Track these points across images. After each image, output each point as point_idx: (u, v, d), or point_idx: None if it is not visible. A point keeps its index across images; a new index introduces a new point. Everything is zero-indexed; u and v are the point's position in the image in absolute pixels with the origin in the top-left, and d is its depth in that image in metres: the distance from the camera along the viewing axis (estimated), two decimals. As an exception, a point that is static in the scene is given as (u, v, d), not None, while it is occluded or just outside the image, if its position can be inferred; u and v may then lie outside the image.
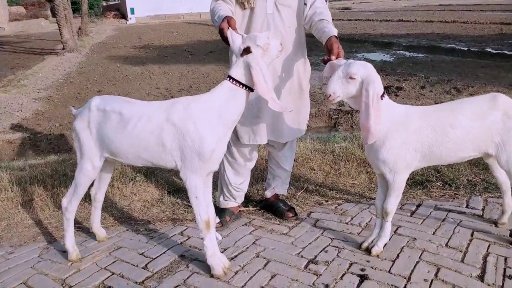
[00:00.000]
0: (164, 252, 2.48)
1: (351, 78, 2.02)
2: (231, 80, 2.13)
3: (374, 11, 32.20)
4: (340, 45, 2.35)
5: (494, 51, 11.07)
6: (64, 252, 2.52)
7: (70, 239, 2.44)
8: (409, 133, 2.12)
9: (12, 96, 8.63)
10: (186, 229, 2.76)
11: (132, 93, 8.41)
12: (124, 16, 34.55)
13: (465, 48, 11.79)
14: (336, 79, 2.05)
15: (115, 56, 14.69)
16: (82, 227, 2.85)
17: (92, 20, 27.10)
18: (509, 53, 10.63)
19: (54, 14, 15.75)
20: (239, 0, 2.53)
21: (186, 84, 9.23)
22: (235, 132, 2.67)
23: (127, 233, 2.76)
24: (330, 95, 2.06)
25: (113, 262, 2.42)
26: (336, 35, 2.43)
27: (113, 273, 2.30)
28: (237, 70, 2.12)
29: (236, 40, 2.15)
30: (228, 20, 2.25)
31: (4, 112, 7.35)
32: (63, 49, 15.13)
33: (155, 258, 2.42)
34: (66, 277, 2.29)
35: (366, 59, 10.96)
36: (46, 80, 10.54)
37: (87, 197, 2.82)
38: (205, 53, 14.48)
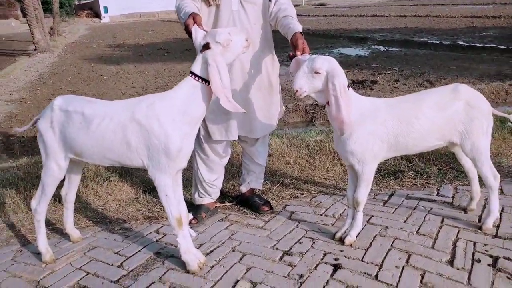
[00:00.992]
0: (139, 250, 2.47)
1: (316, 72, 2.06)
2: (193, 76, 2.12)
3: (349, 7, 32.51)
4: (305, 41, 2.38)
5: (466, 44, 11.34)
6: (38, 254, 2.48)
7: (42, 241, 2.41)
8: (375, 125, 2.17)
9: (-18, 99, 8.42)
10: (162, 226, 2.76)
11: (107, 93, 8.30)
12: (97, 15, 33.99)
13: (438, 42, 12.04)
14: (302, 75, 2.08)
15: (89, 56, 14.45)
16: (56, 229, 2.82)
17: (64, 19, 26.53)
18: (479, 45, 10.91)
19: (24, 14, 15.33)
20: None
21: (163, 82, 9.16)
22: (206, 129, 2.68)
23: (102, 233, 2.74)
24: (297, 91, 2.08)
25: (88, 262, 2.39)
26: (301, 31, 2.45)
27: (88, 273, 2.29)
28: (198, 66, 2.11)
29: (198, 36, 2.15)
30: (194, 16, 2.25)
31: (-25, 116, 7.17)
32: (35, 49, 14.82)
33: (130, 257, 2.41)
34: (41, 279, 2.26)
35: (341, 54, 11.19)
36: (18, 82, 10.30)
37: (60, 198, 2.78)
38: (181, 51, 14.38)
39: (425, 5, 26.67)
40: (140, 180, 3.47)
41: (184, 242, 2.22)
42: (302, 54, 2.30)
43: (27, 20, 14.41)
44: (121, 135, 2.11)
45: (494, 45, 10.73)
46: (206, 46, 2.09)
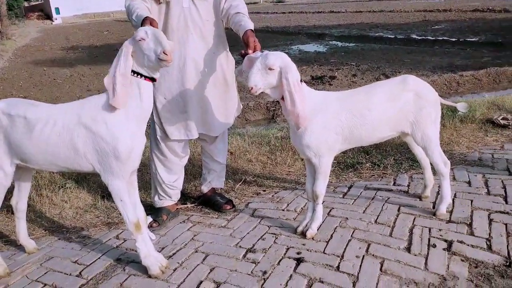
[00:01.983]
0: (99, 258, 2.40)
1: (270, 69, 2.07)
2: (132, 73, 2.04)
3: (306, 3, 32.93)
4: (256, 38, 2.38)
5: (419, 38, 11.73)
6: (-11, 269, 2.37)
7: (-6, 254, 2.30)
8: (328, 117, 2.21)
9: None
10: (122, 232, 2.69)
11: (61, 97, 8.02)
12: (49, 17, 32.71)
13: (392, 36, 12.39)
14: (256, 72, 2.08)
15: (41, 60, 13.90)
16: (10, 240, 2.69)
17: (13, 22, 25.38)
18: (432, 38, 11.32)
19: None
20: None
21: (120, 84, 8.95)
22: (163, 129, 2.64)
23: (59, 242, 2.64)
24: (252, 88, 2.08)
25: (45, 273, 2.30)
26: (252, 28, 2.46)
27: (45, 285, 2.20)
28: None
29: None
30: (151, 21, 2.20)
31: None
32: (-18, 54, 14.07)
33: (89, 265, 2.34)
34: (-7, 294, 2.16)
35: (301, 51, 11.32)
36: (-35, 89, 9.78)
37: (12, 209, 2.66)
38: (139, 51, 14.08)
39: (379, 0, 27.39)
40: (98, 186, 3.37)
41: (144, 246, 2.18)
42: (253, 51, 2.30)
43: (-28, 23, 13.67)
44: (67, 140, 2.04)
45: (445, 38, 11.17)
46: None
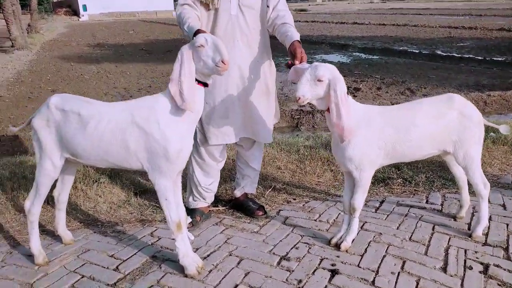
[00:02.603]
0: (135, 254, 2.45)
1: (319, 80, 2.09)
2: None
3: (329, 13, 32.97)
4: (303, 49, 2.42)
5: (444, 54, 11.66)
6: (29, 256, 2.43)
7: (35, 242, 2.36)
8: (372, 132, 2.22)
9: (-42, 96, 8.15)
10: (156, 230, 2.74)
11: (88, 93, 8.16)
12: (76, 13, 33.37)
13: (417, 51, 12.34)
14: (305, 82, 2.11)
15: (68, 55, 14.18)
16: (46, 230, 2.76)
17: (43, 16, 25.96)
18: (457, 55, 11.24)
19: (1, 10, 14.95)
20: (204, 1, 2.52)
21: (145, 83, 9.08)
22: (203, 133, 2.68)
23: (94, 235, 2.70)
24: (299, 98, 2.11)
25: (82, 265, 2.36)
26: (299, 39, 2.49)
27: (83, 276, 2.25)
28: None
29: None
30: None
31: (-49, 113, 6.93)
32: (12, 46, 14.44)
33: (126, 260, 2.39)
34: (34, 281, 2.21)
35: (324, 61, 11.27)
36: (-5, 79, 10.03)
37: (50, 200, 2.73)
38: (163, 52, 14.29)
39: (403, 14, 27.32)
40: (131, 183, 3.43)
41: (183, 246, 2.22)
42: (300, 62, 2.33)
43: (4, 16, 14.05)
44: (119, 138, 2.09)
45: (471, 56, 11.08)
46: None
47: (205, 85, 2.14)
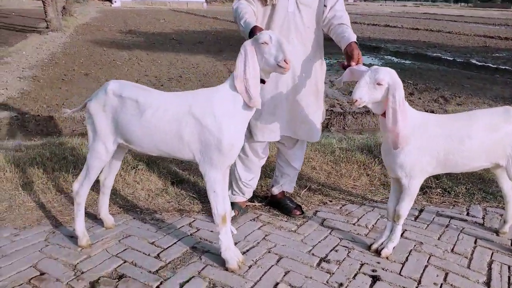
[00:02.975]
0: (174, 243, 2.48)
1: (378, 84, 2.06)
2: None
3: (361, 14, 32.55)
4: (360, 51, 2.39)
5: (479, 63, 11.38)
6: (71, 237, 2.49)
7: (80, 224, 2.41)
8: (427, 140, 2.18)
9: (-5, 72, 8.36)
10: (194, 220, 2.76)
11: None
12: (109, -1, 33.85)
13: (451, 58, 12.07)
14: (363, 85, 2.08)
15: (101, 39, 14.38)
16: (87, 213, 2.80)
17: (78, 0, 26.43)
18: (493, 66, 10.96)
19: (37, -9, 15.25)
20: None
21: (176, 73, 9.14)
22: (249, 129, 2.68)
23: (134, 221, 2.74)
24: (356, 100, 2.09)
25: (124, 250, 2.40)
26: (356, 40, 2.46)
27: (125, 261, 2.29)
28: None
29: None
30: (258, 30, 2.25)
31: (-12, 89, 7.13)
32: (47, 27, 14.73)
33: (166, 248, 2.42)
34: (77, 263, 2.26)
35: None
36: (30, 59, 10.24)
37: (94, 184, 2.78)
38: (193, 43, 14.36)
39: (437, 20, 26.78)
40: (167, 171, 3.47)
41: (226, 239, 2.23)
42: (356, 64, 2.31)
43: (42, -3, 14.31)
44: (175, 128, 2.11)
45: (507, 67, 10.79)
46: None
47: (262, 81, 2.14)
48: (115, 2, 32.61)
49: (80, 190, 2.36)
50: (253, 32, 2.27)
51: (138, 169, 3.40)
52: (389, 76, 2.07)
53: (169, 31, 18.01)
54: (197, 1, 36.74)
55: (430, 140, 2.18)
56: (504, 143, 2.25)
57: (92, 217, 2.75)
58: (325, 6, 2.60)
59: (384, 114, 2.13)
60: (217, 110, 2.08)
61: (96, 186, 2.64)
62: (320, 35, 2.66)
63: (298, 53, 2.57)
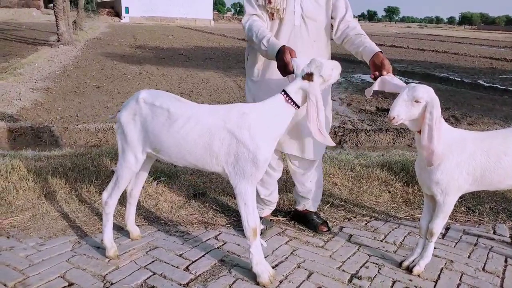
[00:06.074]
0: (203, 256, 2.45)
1: (416, 101, 2.06)
2: (285, 96, 2.15)
3: (367, 34, 32.87)
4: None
5: (487, 84, 11.42)
6: (98, 248, 2.47)
7: (108, 235, 2.39)
8: (464, 156, 2.17)
9: (9, 84, 8.44)
10: (220, 233, 2.74)
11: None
12: (118, 14, 34.31)
13: (459, 79, 12.12)
14: (401, 102, 2.08)
15: (111, 53, 14.54)
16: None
17: (88, 15, 26.83)
18: (501, 87, 11.00)
19: (46, 5, 15.51)
20: (269, 11, 2.51)
21: (187, 88, 9.20)
22: None
23: (159, 233, 2.72)
24: (394, 118, 2.08)
25: (152, 261, 2.37)
26: (381, 50, 2.46)
27: (154, 273, 2.26)
28: (294, 89, 2.15)
29: (300, 63, 2.17)
30: (290, 51, 2.25)
31: (2, 100, 7.18)
32: (58, 41, 14.91)
33: (194, 261, 2.39)
34: (106, 274, 2.23)
35: (363, 81, 11.27)
36: (43, 71, 10.35)
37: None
38: (202, 59, 14.50)
39: (442, 41, 27.01)
40: (189, 184, 3.46)
41: (257, 253, 2.20)
42: (387, 74, 2.31)
43: (54, 11, 14.54)
44: (205, 140, 2.11)
45: (516, 89, 10.83)
46: (310, 77, 2.11)
47: (297, 106, 2.17)
48: (124, 17, 33.04)
49: (109, 200, 2.35)
50: (281, 51, 2.25)
51: (160, 181, 3.39)
52: (427, 93, 2.07)
53: (178, 46, 18.21)
54: (204, 19, 37.25)
55: (468, 157, 2.17)
56: (538, 161, 2.23)
57: (117, 228, 2.72)
58: (332, 18, 2.60)
59: (420, 131, 2.13)
60: (253, 126, 2.09)
61: (120, 198, 2.62)
62: (327, 49, 2.66)
63: None
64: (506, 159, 2.17)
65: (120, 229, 2.71)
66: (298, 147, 2.68)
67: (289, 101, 2.15)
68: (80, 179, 3.31)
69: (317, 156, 2.78)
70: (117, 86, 9.02)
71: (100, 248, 2.45)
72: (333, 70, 2.15)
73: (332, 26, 2.62)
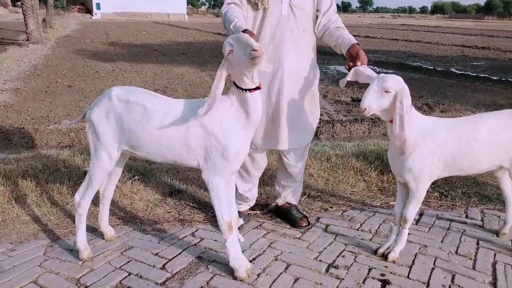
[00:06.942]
0: (179, 253, 2.42)
1: (386, 91, 2.08)
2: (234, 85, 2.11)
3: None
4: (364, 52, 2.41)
5: (459, 72, 11.67)
6: (71, 251, 2.42)
7: (81, 237, 2.34)
8: (435, 144, 2.20)
9: (-24, 85, 8.16)
10: (197, 230, 2.71)
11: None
12: (89, 11, 33.56)
13: (431, 67, 12.35)
14: (371, 93, 2.09)
15: (83, 51, 14.23)
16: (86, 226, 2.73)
17: (58, 12, 26.15)
18: (473, 74, 11.25)
19: (14, 3, 15.06)
20: (252, 1, 2.50)
21: (161, 84, 9.09)
22: None
23: (134, 232, 2.68)
24: (365, 109, 2.10)
25: (128, 262, 2.33)
26: (358, 42, 2.48)
27: (129, 273, 2.22)
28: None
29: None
30: (250, 34, 2.18)
31: (-31, 102, 6.95)
32: (27, 40, 14.50)
33: (171, 259, 2.36)
34: (80, 277, 2.19)
35: (338, 72, 11.35)
36: (11, 71, 10.05)
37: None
38: (177, 54, 14.34)
39: (415, 30, 27.42)
40: (164, 182, 3.42)
41: (233, 247, 2.19)
42: (361, 65, 2.33)
43: (22, 9, 14.11)
44: (182, 135, 2.08)
45: (486, 75, 11.09)
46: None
47: (258, 88, 2.10)
48: (96, 14, 32.32)
49: (82, 201, 2.30)
50: None
51: (135, 180, 3.34)
52: (397, 83, 2.09)
53: (151, 42, 17.95)
54: (178, 13, 36.79)
55: (439, 144, 2.20)
56: (507, 146, 2.29)
57: (91, 229, 2.67)
58: (317, 10, 2.61)
59: (391, 121, 2.15)
60: (223, 118, 2.07)
61: (93, 198, 2.57)
62: (314, 39, 2.66)
63: (292, 57, 2.54)
64: (476, 144, 2.22)
65: (94, 230, 2.66)
66: (290, 140, 2.66)
67: (239, 89, 2.07)
68: (51, 181, 3.23)
69: (310, 138, 2.78)
70: (89, 85, 8.83)
71: (74, 251, 2.40)
72: (232, 45, 1.95)
73: (316, 17, 2.62)
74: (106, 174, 2.29)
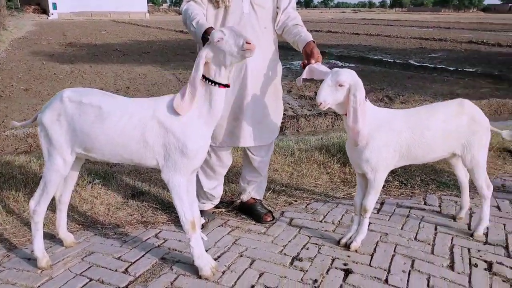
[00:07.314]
0: (142, 256, 2.38)
1: (340, 85, 2.11)
2: (202, 78, 2.07)
3: (303, 21, 33.42)
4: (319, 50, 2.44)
5: (417, 64, 12.03)
6: (29, 260, 2.33)
7: (39, 245, 2.25)
8: (391, 135, 2.26)
9: None
10: (160, 231, 2.68)
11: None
12: (45, 11, 32.39)
13: (391, 60, 12.68)
14: (326, 88, 2.12)
15: (40, 53, 13.76)
16: (43, 233, 2.63)
17: (12, 13, 25.10)
18: (430, 66, 11.62)
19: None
20: None
21: (123, 84, 8.91)
22: (213, 135, 2.64)
23: (95, 237, 2.61)
24: (321, 103, 2.12)
25: (88, 268, 2.27)
26: (313, 40, 2.51)
27: (90, 279, 2.17)
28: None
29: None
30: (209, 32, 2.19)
31: None
32: (-22, 43, 13.83)
33: (134, 262, 2.32)
34: (39, 286, 2.11)
35: (302, 68, 11.44)
36: (-37, 76, 9.59)
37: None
38: (139, 53, 14.09)
39: (375, 24, 28.03)
40: (126, 184, 3.35)
41: (197, 246, 2.18)
42: (316, 62, 2.35)
43: (-29, 10, 13.45)
44: (139, 133, 2.05)
45: (443, 66, 11.49)
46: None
47: (226, 86, 2.11)
48: (52, 14, 31.22)
49: (38, 208, 2.21)
50: (207, 33, 2.21)
51: (95, 184, 3.25)
52: (350, 77, 2.13)
53: (112, 42, 17.56)
54: (139, 12, 36.05)
55: (394, 135, 2.26)
56: (459, 134, 2.38)
57: (49, 236, 2.59)
58: (277, 8, 2.62)
59: (346, 114, 2.18)
60: (181, 115, 2.04)
61: (51, 205, 2.49)
62: (275, 36, 2.68)
63: (255, 55, 2.53)
64: (428, 133, 2.29)
65: (52, 237, 2.58)
66: (254, 136, 2.66)
67: (207, 82, 2.05)
68: (6, 189, 3.11)
69: (275, 135, 2.81)
70: (47, 87, 8.55)
71: (32, 260, 2.32)
72: (225, 33, 1.96)
73: (276, 14, 2.62)
74: (62, 179, 2.22)
